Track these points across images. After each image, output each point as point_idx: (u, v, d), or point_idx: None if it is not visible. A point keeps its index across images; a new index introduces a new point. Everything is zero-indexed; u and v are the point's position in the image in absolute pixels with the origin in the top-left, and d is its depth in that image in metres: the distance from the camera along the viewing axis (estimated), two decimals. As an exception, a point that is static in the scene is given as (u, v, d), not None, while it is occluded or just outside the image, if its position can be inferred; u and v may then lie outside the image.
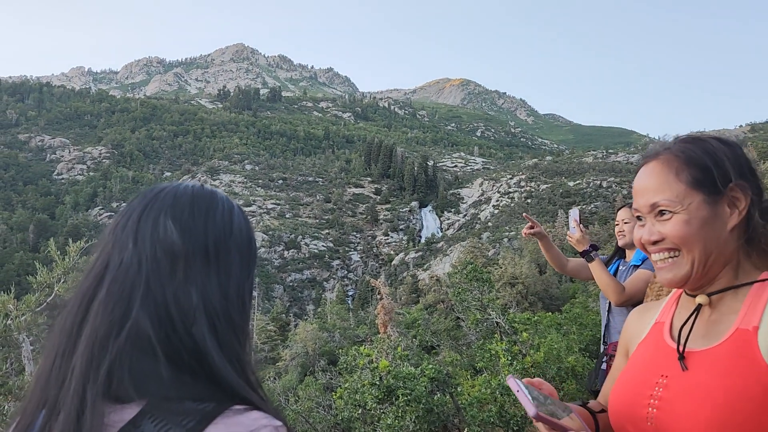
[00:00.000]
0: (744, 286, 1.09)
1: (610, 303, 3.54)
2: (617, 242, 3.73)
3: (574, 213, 3.56)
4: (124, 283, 0.84)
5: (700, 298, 1.13)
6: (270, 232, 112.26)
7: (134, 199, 0.94)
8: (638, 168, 1.19)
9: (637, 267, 3.47)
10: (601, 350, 3.54)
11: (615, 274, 3.65)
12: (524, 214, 3.50)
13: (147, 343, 0.80)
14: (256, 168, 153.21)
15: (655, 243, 1.14)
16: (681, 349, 1.10)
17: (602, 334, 3.60)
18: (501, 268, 50.59)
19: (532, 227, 3.52)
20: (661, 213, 1.12)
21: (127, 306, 0.82)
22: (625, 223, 3.60)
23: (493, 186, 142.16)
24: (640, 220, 1.18)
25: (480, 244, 79.99)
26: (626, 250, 3.70)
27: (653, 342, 1.18)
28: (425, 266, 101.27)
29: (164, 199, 0.92)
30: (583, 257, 3.46)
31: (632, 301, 3.32)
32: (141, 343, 0.80)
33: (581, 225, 3.51)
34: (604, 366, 3.46)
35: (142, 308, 0.82)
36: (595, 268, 3.37)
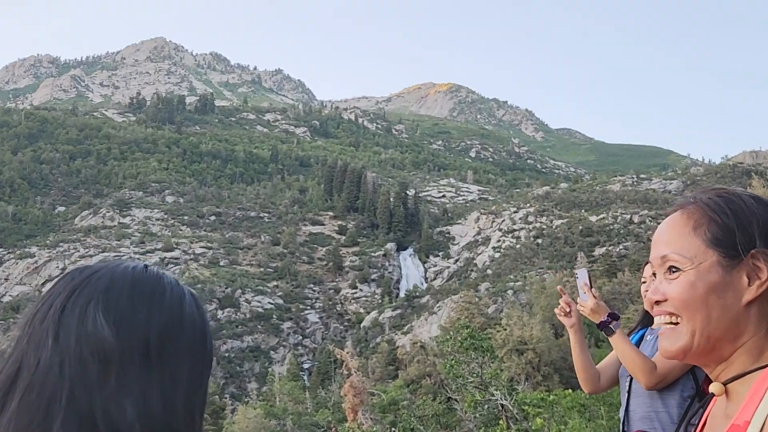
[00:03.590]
0: (756, 372, 1.15)
1: (630, 382, 3.64)
2: (644, 305, 3.90)
3: (583, 275, 3.72)
4: (42, 392, 0.84)
5: (714, 387, 1.21)
6: (198, 286, 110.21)
7: (58, 282, 0.95)
8: (664, 217, 1.29)
9: None
10: None
11: (638, 346, 3.75)
12: (558, 287, 3.60)
13: None
14: (181, 200, 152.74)
15: (658, 303, 1.23)
16: None
17: (621, 421, 3.68)
18: (505, 330, 49.44)
19: (568, 310, 3.66)
20: (671, 270, 1.22)
21: (44, 421, 0.82)
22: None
23: (493, 222, 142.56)
24: (655, 276, 1.27)
25: (477, 299, 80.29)
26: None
27: None
28: (406, 329, 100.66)
29: (96, 284, 0.93)
30: (601, 330, 3.59)
31: (666, 382, 3.43)
32: None
33: (593, 289, 3.66)
34: None
35: (63, 425, 0.82)
36: (618, 343, 3.49)
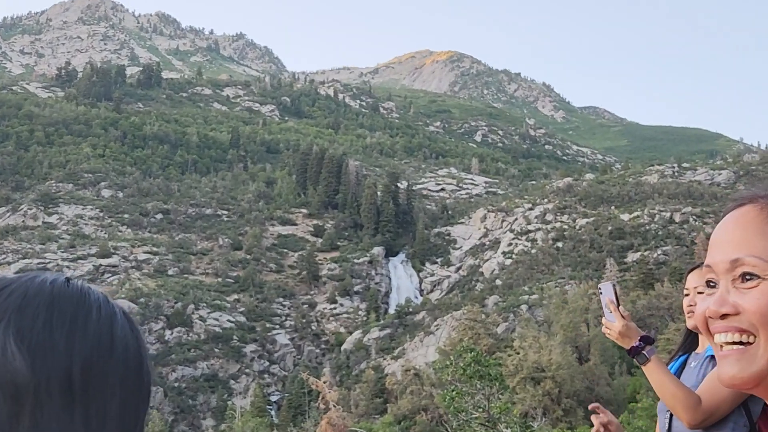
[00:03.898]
0: None
1: (670, 419, 3.67)
2: (686, 324, 3.90)
3: (608, 290, 3.72)
4: None
5: None
6: (142, 300, 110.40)
7: None
8: (723, 214, 1.27)
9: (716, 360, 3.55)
10: None
11: (679, 374, 3.78)
12: (591, 405, 3.60)
13: None
14: (120, 194, 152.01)
15: (724, 317, 1.21)
16: None
17: None
18: (518, 354, 52.14)
19: (606, 424, 3.61)
20: (745, 278, 1.20)
21: None
22: (700, 293, 3.72)
23: (503, 221, 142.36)
24: (711, 286, 1.25)
25: (483, 316, 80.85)
26: (700, 336, 3.87)
27: None
28: (396, 352, 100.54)
29: (6, 303, 0.93)
30: (632, 357, 3.58)
31: (714, 419, 3.42)
32: None
33: (621, 307, 3.64)
34: None
35: None
36: (653, 373, 3.50)
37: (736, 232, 1.22)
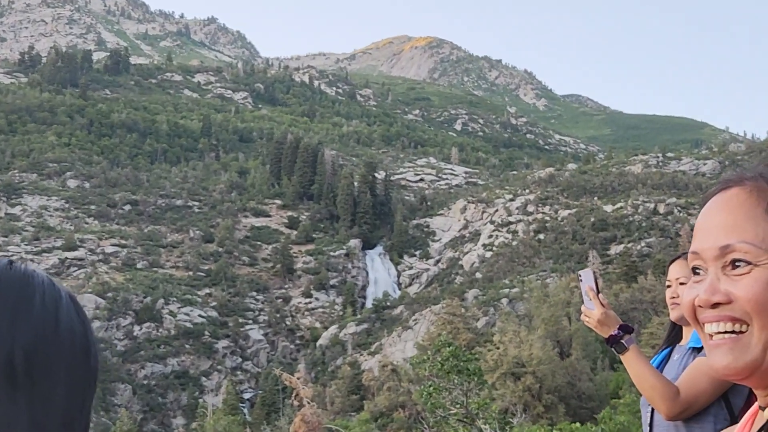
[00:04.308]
0: None
1: (652, 412, 3.73)
2: (670, 316, 3.94)
3: (588, 277, 3.78)
4: None
5: None
6: (109, 294, 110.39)
7: None
8: (706, 197, 1.26)
9: (698, 351, 3.66)
10: None
11: (662, 367, 3.84)
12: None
13: None
14: (86, 185, 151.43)
15: (715, 306, 1.20)
16: None
17: None
18: (498, 348, 51.25)
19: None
20: (735, 264, 1.19)
21: None
22: (682, 283, 3.79)
23: (484, 213, 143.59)
24: (697, 273, 1.24)
25: (463, 310, 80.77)
26: (684, 328, 3.94)
27: None
28: (373, 348, 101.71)
29: None
30: (611, 346, 3.65)
31: (692, 411, 3.50)
32: None
33: (600, 294, 3.69)
34: None
35: None
36: (632, 363, 3.55)
37: (725, 217, 1.20)
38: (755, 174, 1.19)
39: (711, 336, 1.20)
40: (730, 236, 1.17)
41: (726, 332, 1.18)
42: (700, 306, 1.19)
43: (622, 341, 3.58)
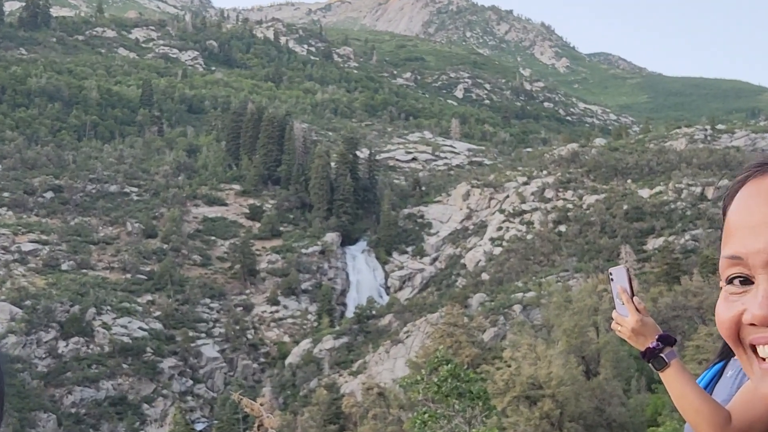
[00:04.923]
0: None
1: None
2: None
3: (620, 276, 3.61)
4: None
5: None
6: (28, 302, 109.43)
7: None
8: (736, 185, 1.23)
9: None
10: None
11: (712, 386, 3.63)
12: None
13: None
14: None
15: None
16: None
17: None
18: (509, 366, 51.00)
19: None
20: None
21: None
22: None
23: (491, 199, 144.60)
24: (734, 283, 1.23)
25: (466, 319, 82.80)
26: None
27: None
28: (356, 367, 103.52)
29: None
30: (647, 360, 3.50)
31: None
32: None
33: (636, 297, 3.56)
34: None
35: None
36: (673, 381, 3.41)
37: None
38: None
39: (765, 360, 1.17)
40: None
41: None
42: (752, 324, 1.14)
43: (662, 355, 3.43)
